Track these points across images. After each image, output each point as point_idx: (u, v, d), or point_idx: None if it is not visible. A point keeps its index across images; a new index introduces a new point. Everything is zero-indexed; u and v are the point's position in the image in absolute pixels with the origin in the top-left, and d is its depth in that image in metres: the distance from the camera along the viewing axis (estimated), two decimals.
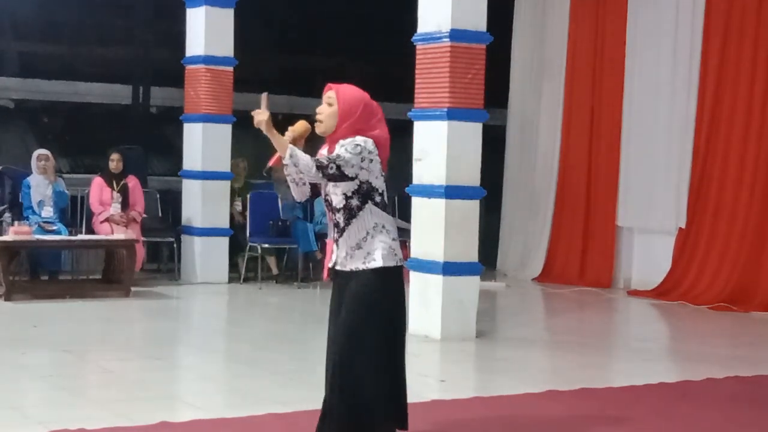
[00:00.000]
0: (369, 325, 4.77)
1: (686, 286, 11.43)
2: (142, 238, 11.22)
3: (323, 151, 4.90)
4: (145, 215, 11.53)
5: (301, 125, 4.87)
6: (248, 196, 12.05)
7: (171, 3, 12.48)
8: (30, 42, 13.67)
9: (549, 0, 13.42)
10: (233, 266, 12.10)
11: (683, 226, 11.69)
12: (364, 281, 4.79)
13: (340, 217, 4.85)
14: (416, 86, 8.80)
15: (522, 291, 12.41)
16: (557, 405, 6.38)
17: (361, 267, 4.81)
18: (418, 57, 8.77)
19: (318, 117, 4.83)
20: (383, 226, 4.84)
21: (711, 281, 11.25)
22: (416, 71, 8.79)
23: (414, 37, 8.80)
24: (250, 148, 13.81)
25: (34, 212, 10.76)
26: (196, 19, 11.87)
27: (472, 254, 8.65)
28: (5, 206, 11.19)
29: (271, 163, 4.86)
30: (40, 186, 10.88)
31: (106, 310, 9.75)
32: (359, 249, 4.81)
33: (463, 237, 8.56)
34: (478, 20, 8.60)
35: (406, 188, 8.85)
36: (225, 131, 11.90)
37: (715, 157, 11.44)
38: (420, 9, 8.79)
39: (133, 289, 10.50)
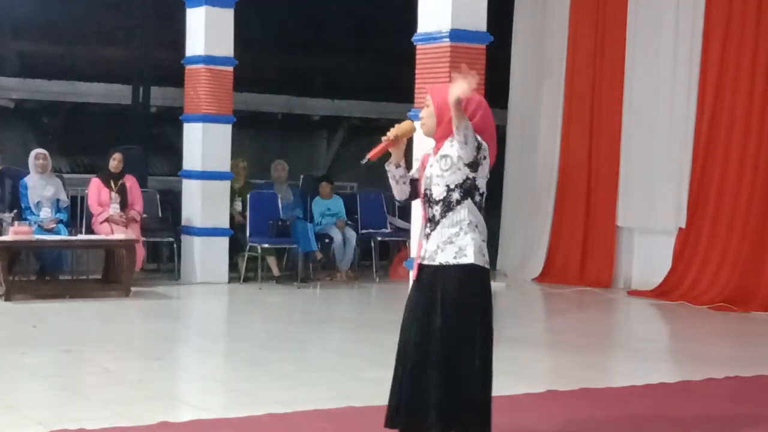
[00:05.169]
0: (480, 321, 4.77)
1: (686, 286, 11.42)
2: (142, 238, 11.21)
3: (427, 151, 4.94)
4: (145, 215, 11.52)
5: (406, 124, 4.94)
6: (248, 196, 12.05)
7: (171, 3, 12.48)
8: (30, 42, 13.66)
9: (549, 0, 13.42)
10: (233, 266, 12.10)
11: (683, 226, 11.68)
12: (458, 279, 4.74)
13: (436, 210, 4.81)
14: (416, 86, 8.79)
15: (522, 291, 12.40)
16: (557, 405, 6.37)
17: (452, 262, 4.74)
18: (418, 57, 8.77)
19: (421, 120, 4.90)
20: (476, 226, 4.79)
21: (711, 281, 11.24)
22: (416, 71, 8.79)
23: (414, 37, 8.80)
24: (250, 148, 13.82)
25: (32, 213, 10.76)
26: (196, 19, 11.87)
27: None
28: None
29: (371, 156, 4.87)
30: (37, 187, 10.87)
31: (106, 310, 9.75)
32: (450, 244, 4.75)
33: None
34: (478, 20, 8.60)
35: None
36: (225, 131, 11.90)
37: (715, 157, 11.43)
38: (420, 9, 8.79)
39: (133, 289, 10.50)
